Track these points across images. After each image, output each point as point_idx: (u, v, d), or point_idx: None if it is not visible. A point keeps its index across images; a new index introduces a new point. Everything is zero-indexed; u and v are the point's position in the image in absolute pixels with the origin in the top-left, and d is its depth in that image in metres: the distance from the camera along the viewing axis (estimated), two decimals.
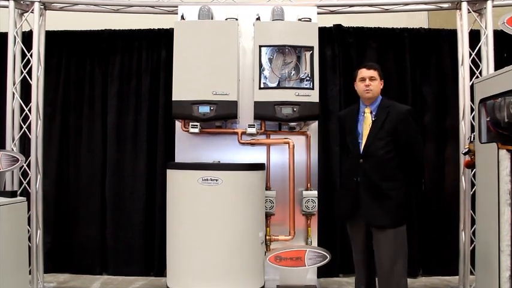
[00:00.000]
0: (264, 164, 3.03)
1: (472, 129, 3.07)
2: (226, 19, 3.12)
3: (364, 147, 2.44)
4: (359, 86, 2.53)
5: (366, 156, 2.43)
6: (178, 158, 3.25)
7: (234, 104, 2.90)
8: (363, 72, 2.52)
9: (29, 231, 3.12)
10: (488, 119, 2.45)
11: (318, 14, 3.33)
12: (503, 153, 2.25)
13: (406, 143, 2.44)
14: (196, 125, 2.99)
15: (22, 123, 3.32)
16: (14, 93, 3.27)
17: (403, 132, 2.42)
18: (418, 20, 4.17)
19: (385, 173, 2.41)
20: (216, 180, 2.60)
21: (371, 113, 2.49)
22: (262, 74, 2.98)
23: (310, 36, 2.97)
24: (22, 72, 3.32)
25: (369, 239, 2.51)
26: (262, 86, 2.97)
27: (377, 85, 2.49)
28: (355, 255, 2.62)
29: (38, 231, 3.25)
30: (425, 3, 3.45)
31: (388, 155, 2.41)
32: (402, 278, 2.41)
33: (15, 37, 3.28)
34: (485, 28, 3.25)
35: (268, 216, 3.13)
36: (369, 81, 2.47)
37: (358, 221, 2.51)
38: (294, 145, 3.15)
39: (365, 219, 2.45)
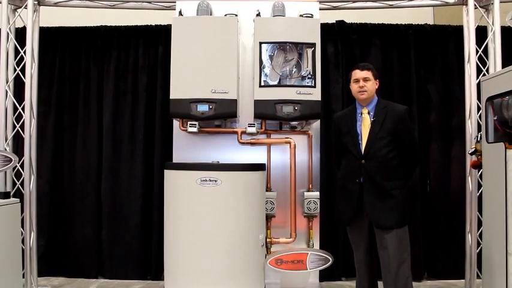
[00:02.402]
0: (265, 164, 2.98)
1: (479, 129, 3.04)
2: (225, 15, 3.11)
3: (365, 147, 2.45)
4: (353, 88, 2.56)
5: (367, 157, 2.44)
6: (176, 157, 3.20)
7: (233, 103, 2.85)
8: (357, 74, 2.55)
9: (22, 233, 3.10)
10: (495, 118, 2.42)
11: (320, 9, 3.29)
12: (511, 153, 2.21)
13: (405, 141, 2.47)
14: (195, 124, 2.94)
15: (15, 122, 3.29)
16: (7, 91, 3.22)
17: (402, 131, 2.45)
18: (423, 16, 4.10)
19: (387, 173, 2.42)
20: (215, 180, 2.54)
21: (369, 113, 2.52)
22: (262, 72, 2.93)
23: (312, 33, 2.93)
24: (15, 70, 3.28)
25: (371, 242, 2.53)
26: (262, 84, 2.92)
27: (371, 85, 2.52)
28: (357, 258, 2.63)
29: (32, 233, 3.21)
30: None
31: (389, 154, 2.43)
32: (409, 279, 2.41)
33: (8, 33, 3.23)
34: (493, 24, 3.21)
35: (268, 218, 3.08)
36: (363, 82, 2.50)
37: (360, 223, 2.52)
38: (295, 145, 3.10)
39: (371, 221, 2.44)
